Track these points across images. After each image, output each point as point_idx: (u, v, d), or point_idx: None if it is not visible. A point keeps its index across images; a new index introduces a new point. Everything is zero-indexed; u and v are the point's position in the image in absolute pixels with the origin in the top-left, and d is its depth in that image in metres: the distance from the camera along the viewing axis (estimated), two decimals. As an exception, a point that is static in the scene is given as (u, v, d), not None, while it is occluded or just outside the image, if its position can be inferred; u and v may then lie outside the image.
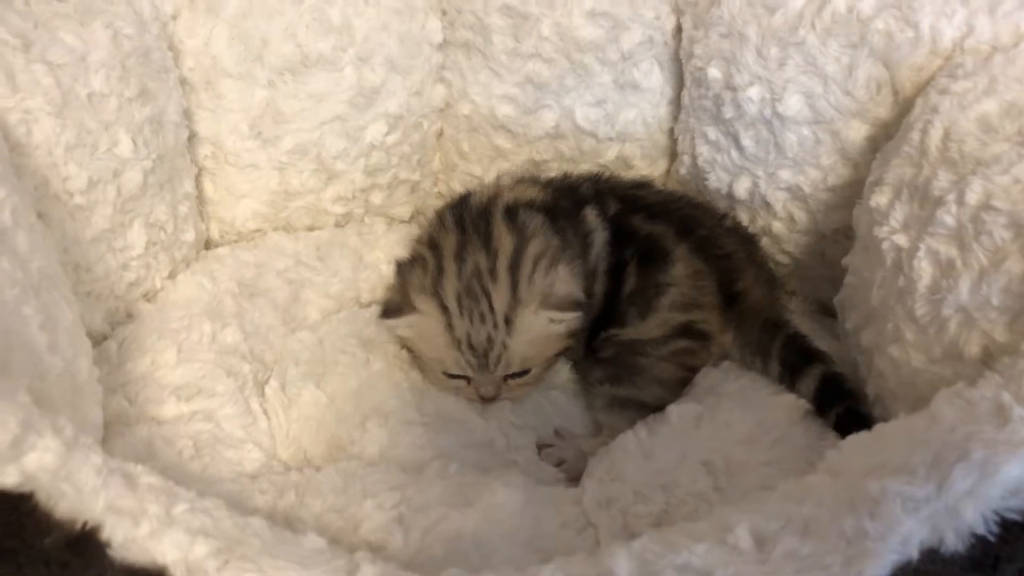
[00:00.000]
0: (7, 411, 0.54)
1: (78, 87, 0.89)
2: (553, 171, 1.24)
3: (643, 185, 1.15)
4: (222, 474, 0.84)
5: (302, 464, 0.91)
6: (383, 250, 1.21)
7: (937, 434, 0.59)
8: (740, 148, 1.06)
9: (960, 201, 0.74)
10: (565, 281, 0.95)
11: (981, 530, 0.53)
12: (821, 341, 0.96)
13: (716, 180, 1.12)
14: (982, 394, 0.62)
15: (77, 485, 0.55)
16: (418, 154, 1.26)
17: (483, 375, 0.94)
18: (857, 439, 0.69)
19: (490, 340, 0.92)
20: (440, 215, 1.04)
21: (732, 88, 1.04)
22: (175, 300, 1.05)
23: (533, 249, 0.96)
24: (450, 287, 0.94)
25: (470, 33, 1.18)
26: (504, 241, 0.96)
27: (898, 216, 0.82)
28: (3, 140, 0.80)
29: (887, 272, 0.82)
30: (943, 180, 0.77)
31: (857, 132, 0.97)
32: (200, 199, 1.16)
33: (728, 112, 1.05)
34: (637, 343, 0.96)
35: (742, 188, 1.09)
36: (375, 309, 1.10)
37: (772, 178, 1.05)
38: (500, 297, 0.93)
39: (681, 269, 0.98)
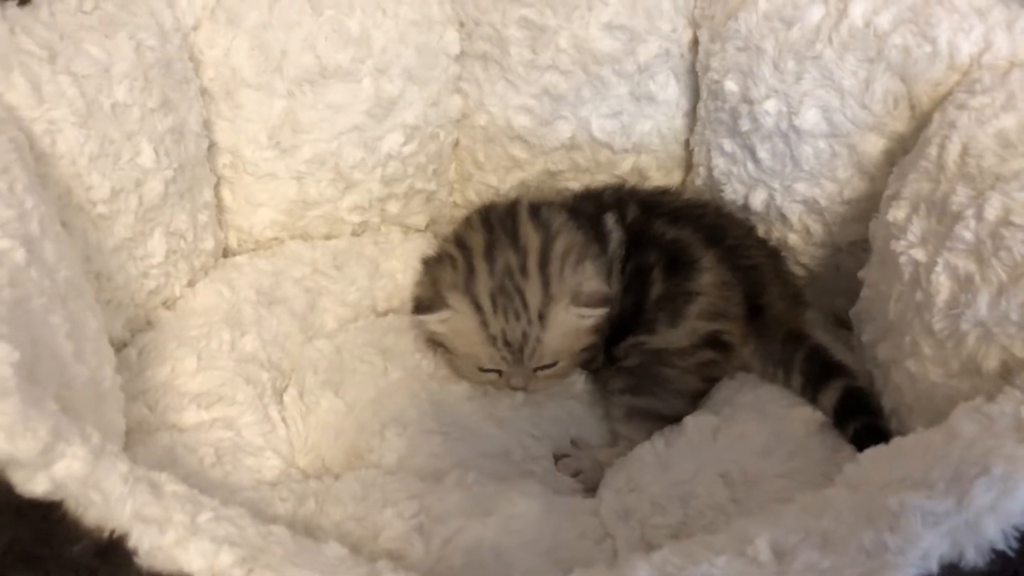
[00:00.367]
0: (37, 420, 0.55)
1: (102, 98, 0.90)
2: (569, 182, 1.24)
3: (665, 192, 1.17)
4: (243, 482, 0.85)
5: (320, 472, 0.91)
6: (399, 259, 1.21)
7: (957, 449, 0.60)
8: (756, 160, 1.07)
9: (979, 216, 0.74)
10: (592, 277, 0.97)
11: (1001, 545, 0.54)
12: (836, 353, 0.96)
13: (732, 192, 1.12)
14: (1002, 409, 0.62)
15: (104, 493, 0.56)
16: (434, 164, 1.27)
17: (516, 368, 0.96)
18: (875, 453, 0.70)
19: (525, 336, 0.94)
20: (467, 218, 1.06)
21: (749, 101, 1.04)
22: (194, 308, 1.06)
23: (560, 246, 0.97)
24: (483, 286, 0.95)
25: (487, 45, 1.18)
26: (531, 238, 0.98)
27: (916, 230, 0.82)
28: (29, 150, 0.81)
29: (904, 286, 0.83)
30: (961, 195, 0.77)
31: (874, 146, 0.97)
32: (219, 208, 1.17)
33: (744, 125, 1.06)
34: (664, 353, 0.97)
35: (758, 200, 1.09)
36: (393, 318, 1.11)
37: (788, 191, 1.05)
38: (533, 294, 0.94)
39: (710, 278, 0.98)
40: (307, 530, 0.78)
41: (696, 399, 0.97)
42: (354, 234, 1.26)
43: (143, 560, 0.54)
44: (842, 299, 1.04)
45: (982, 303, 0.72)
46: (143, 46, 0.96)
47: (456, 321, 0.96)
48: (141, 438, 0.88)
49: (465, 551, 0.75)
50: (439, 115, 1.22)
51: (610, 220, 1.03)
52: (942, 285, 0.76)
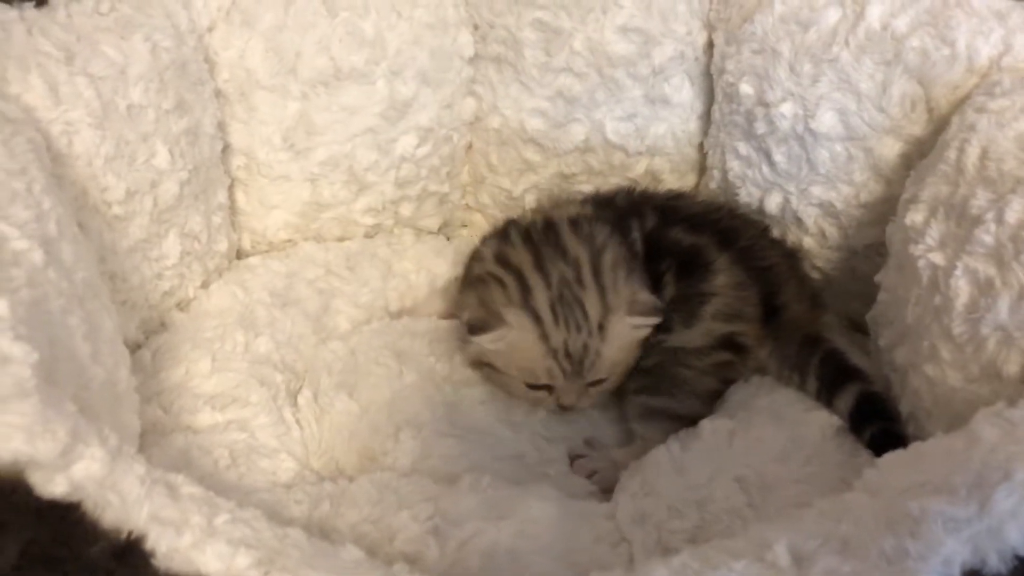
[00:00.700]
0: (56, 421, 0.55)
1: (118, 99, 0.90)
2: (582, 184, 1.24)
3: (680, 196, 1.16)
4: (257, 484, 0.85)
5: (334, 474, 0.91)
6: (412, 260, 1.21)
7: (978, 454, 0.59)
8: (772, 164, 1.06)
9: (999, 220, 0.74)
10: (641, 288, 0.96)
11: (1024, 552, 0.53)
12: (853, 358, 0.95)
13: (747, 195, 1.12)
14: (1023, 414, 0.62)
15: (122, 495, 0.56)
16: (447, 167, 1.27)
17: (570, 383, 0.94)
18: (894, 457, 0.69)
19: (586, 348, 0.93)
20: (497, 235, 1.05)
21: (764, 104, 1.04)
22: (208, 309, 1.06)
23: (608, 258, 0.97)
24: (541, 298, 0.94)
25: (502, 47, 1.18)
26: (579, 251, 0.97)
27: (934, 234, 0.82)
28: (46, 151, 0.81)
29: (923, 290, 0.82)
30: (981, 199, 0.77)
31: (891, 149, 0.97)
32: (232, 210, 1.17)
33: (760, 128, 1.05)
34: (681, 352, 0.97)
35: (773, 203, 1.09)
36: (408, 322, 1.11)
37: (804, 194, 1.05)
38: (592, 305, 0.94)
39: (724, 279, 0.98)
40: (322, 532, 0.78)
41: (712, 400, 0.97)
42: (367, 236, 1.26)
43: (160, 562, 0.53)
44: (858, 303, 1.03)
45: (1002, 307, 0.71)
46: (159, 48, 0.96)
47: (513, 337, 0.94)
48: (156, 440, 0.88)
49: (481, 554, 0.74)
50: (453, 117, 1.22)
51: (635, 229, 1.03)
52: (961, 289, 0.76)
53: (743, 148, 1.10)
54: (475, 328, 0.95)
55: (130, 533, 0.54)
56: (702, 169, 1.24)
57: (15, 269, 0.65)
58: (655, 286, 0.99)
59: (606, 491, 0.90)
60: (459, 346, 1.05)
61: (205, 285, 1.10)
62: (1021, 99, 0.81)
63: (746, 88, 1.06)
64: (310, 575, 0.57)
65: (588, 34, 1.13)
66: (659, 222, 1.04)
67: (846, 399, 0.90)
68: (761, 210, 1.11)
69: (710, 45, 1.15)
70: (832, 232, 1.06)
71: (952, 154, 0.83)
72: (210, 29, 1.07)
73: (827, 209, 1.04)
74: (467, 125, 1.26)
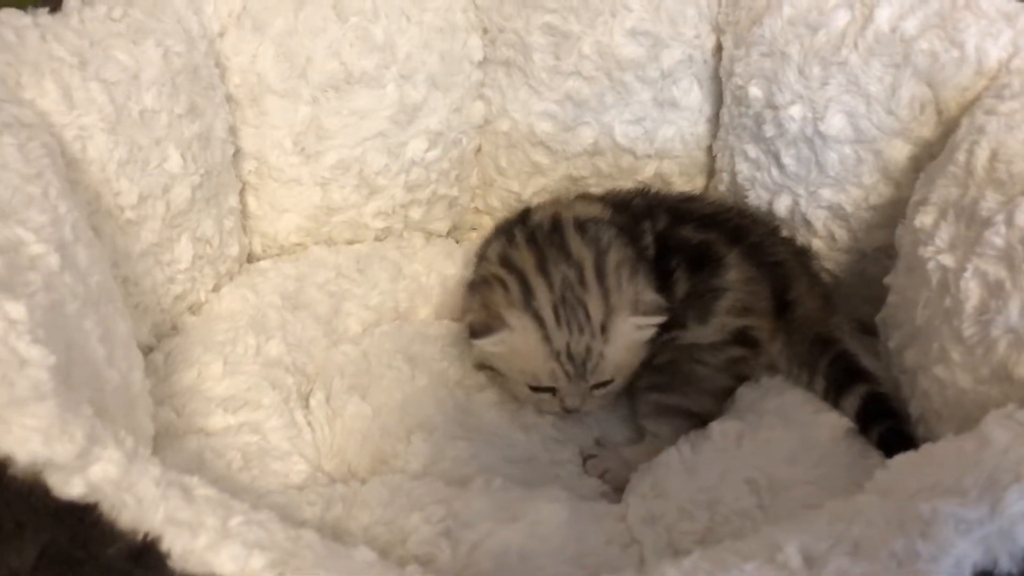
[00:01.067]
0: (73, 423, 0.55)
1: (131, 104, 0.91)
2: (591, 188, 1.24)
3: (693, 198, 1.16)
4: (270, 486, 0.85)
5: (346, 476, 0.92)
6: (422, 263, 1.22)
7: (989, 456, 0.59)
8: (781, 166, 1.07)
9: (1009, 222, 0.74)
10: (646, 288, 0.96)
11: (1035, 553, 0.53)
12: (863, 360, 0.95)
13: (756, 198, 1.12)
14: (1034, 416, 0.62)
15: (138, 496, 0.56)
16: (457, 170, 1.27)
17: (574, 385, 0.94)
18: (904, 459, 0.69)
19: (588, 349, 0.93)
20: (504, 233, 1.05)
21: (773, 107, 1.04)
22: (220, 313, 1.07)
23: (612, 259, 0.97)
24: (544, 299, 0.94)
25: (511, 51, 1.19)
26: (583, 252, 0.97)
27: (944, 236, 0.82)
28: (60, 156, 0.82)
29: (932, 292, 0.82)
30: (991, 201, 0.77)
31: (900, 151, 0.97)
32: (244, 214, 1.18)
33: (769, 130, 1.06)
34: (695, 348, 0.97)
35: (782, 206, 1.09)
36: (420, 325, 1.12)
37: (813, 196, 1.05)
38: (595, 306, 0.93)
39: (735, 275, 0.98)
40: (335, 534, 0.78)
41: (724, 398, 0.97)
42: (377, 239, 1.27)
43: (176, 563, 0.54)
44: (867, 305, 1.03)
45: (1013, 309, 0.71)
46: (170, 53, 0.97)
47: (515, 340, 0.94)
48: (169, 442, 0.88)
49: (493, 556, 0.75)
50: (462, 121, 1.23)
51: (648, 232, 1.03)
52: (972, 291, 0.76)
53: (752, 151, 1.10)
54: (477, 331, 0.95)
55: (146, 534, 0.54)
56: (711, 172, 1.24)
57: (32, 273, 0.65)
58: (665, 284, 0.99)
59: (618, 490, 0.91)
60: (466, 349, 1.05)
61: (216, 289, 1.10)
62: (1031, 101, 0.82)
63: (755, 91, 1.06)
64: (324, 576, 0.58)
65: (597, 37, 1.13)
66: (670, 222, 1.05)
67: (852, 399, 0.90)
68: (770, 212, 1.11)
69: (719, 48, 1.15)
70: (841, 234, 1.06)
71: (962, 156, 0.83)
72: (221, 34, 1.08)
73: (836, 212, 1.05)
74: (476, 128, 1.26)
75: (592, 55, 1.14)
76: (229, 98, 1.10)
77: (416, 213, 1.27)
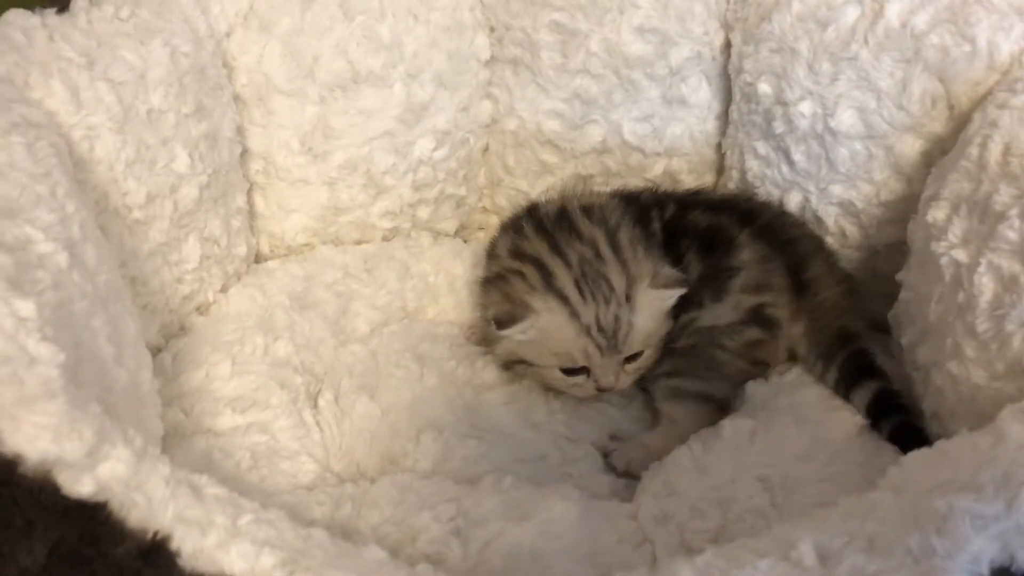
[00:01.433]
0: (83, 421, 0.55)
1: (138, 104, 0.91)
2: (599, 186, 1.24)
3: (700, 191, 1.16)
4: (279, 486, 0.85)
5: (355, 476, 0.91)
6: (429, 262, 1.21)
7: (1005, 451, 0.59)
8: (791, 163, 1.06)
9: (1023, 216, 0.73)
10: (661, 262, 0.96)
11: (1053, 549, 0.53)
12: (879, 359, 0.95)
13: (766, 195, 1.11)
14: (1051, 411, 0.61)
15: (148, 495, 0.56)
16: (464, 169, 1.27)
17: (607, 360, 0.93)
18: (918, 455, 0.69)
19: (617, 319, 0.92)
20: (512, 227, 1.04)
21: (783, 103, 1.04)
22: (227, 313, 1.07)
23: (624, 236, 0.97)
24: (564, 278, 0.93)
25: (518, 49, 1.18)
26: (594, 232, 0.97)
27: (957, 231, 0.81)
28: (68, 156, 0.82)
29: (945, 287, 0.82)
30: (1004, 195, 0.77)
31: (911, 147, 0.96)
32: (251, 214, 1.18)
33: (779, 127, 1.05)
34: (714, 331, 0.96)
35: (792, 203, 1.08)
36: (429, 325, 1.11)
37: (823, 193, 1.05)
38: (616, 277, 0.93)
39: (748, 254, 0.98)
40: (344, 534, 0.78)
41: (742, 382, 0.97)
42: (385, 239, 1.27)
43: (186, 562, 0.54)
44: (879, 302, 1.02)
45: (1028, 303, 0.71)
46: (178, 52, 0.97)
47: (543, 323, 0.93)
48: (177, 442, 0.88)
49: (504, 555, 0.74)
50: (469, 120, 1.23)
51: (656, 220, 1.03)
52: (985, 286, 0.75)
53: (762, 148, 1.10)
54: (503, 322, 0.94)
55: (156, 533, 0.54)
56: (720, 169, 1.23)
57: (40, 271, 0.65)
58: (677, 265, 0.99)
59: (638, 477, 0.90)
60: (485, 351, 1.04)
61: (224, 289, 1.10)
62: (1044, 95, 0.81)
63: (764, 87, 1.06)
64: (334, 575, 0.57)
65: (605, 35, 1.13)
66: (677, 210, 1.05)
67: (863, 394, 0.90)
68: (780, 210, 1.11)
69: (727, 45, 1.15)
70: (852, 231, 1.06)
71: (974, 151, 0.83)
72: (228, 34, 1.08)
73: (847, 208, 1.04)
74: (484, 127, 1.26)
75: (600, 53, 1.14)
76: (236, 98, 1.10)
77: (424, 213, 1.27)
